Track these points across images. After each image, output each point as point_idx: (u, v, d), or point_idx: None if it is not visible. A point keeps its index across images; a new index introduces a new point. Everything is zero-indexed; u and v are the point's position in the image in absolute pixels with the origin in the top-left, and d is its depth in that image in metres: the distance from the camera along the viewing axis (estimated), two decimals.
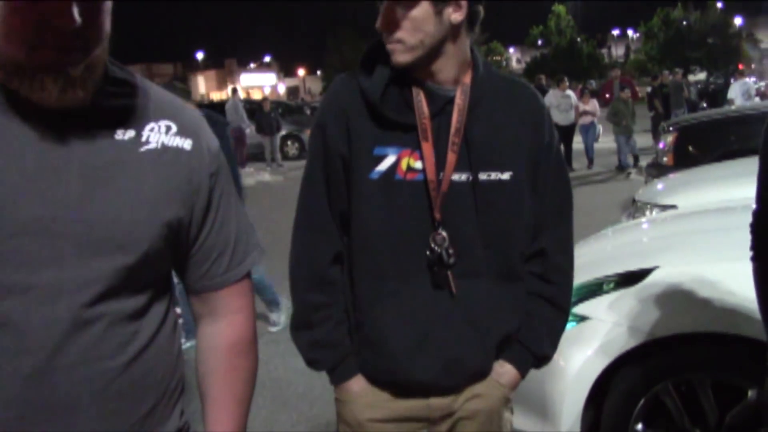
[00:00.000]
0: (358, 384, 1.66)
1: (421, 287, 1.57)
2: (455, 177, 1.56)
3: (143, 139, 1.13)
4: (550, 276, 1.70)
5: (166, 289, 1.22)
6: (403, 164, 1.55)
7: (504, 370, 1.68)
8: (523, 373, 1.70)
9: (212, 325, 1.28)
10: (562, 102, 12.97)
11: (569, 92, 13.46)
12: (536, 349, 1.69)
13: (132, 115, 1.13)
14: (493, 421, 1.71)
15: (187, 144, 1.17)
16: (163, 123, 1.16)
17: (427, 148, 1.53)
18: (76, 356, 1.05)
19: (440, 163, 1.55)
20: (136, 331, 1.13)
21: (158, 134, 1.15)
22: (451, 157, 1.55)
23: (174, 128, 1.17)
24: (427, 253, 1.55)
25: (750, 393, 2.43)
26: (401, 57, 1.50)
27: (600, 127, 13.74)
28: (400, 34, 1.48)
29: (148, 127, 1.14)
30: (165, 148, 1.15)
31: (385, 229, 1.56)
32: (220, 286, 1.25)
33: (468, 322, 1.59)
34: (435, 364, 1.59)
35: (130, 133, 1.12)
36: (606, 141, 14.14)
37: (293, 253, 1.67)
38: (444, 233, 1.55)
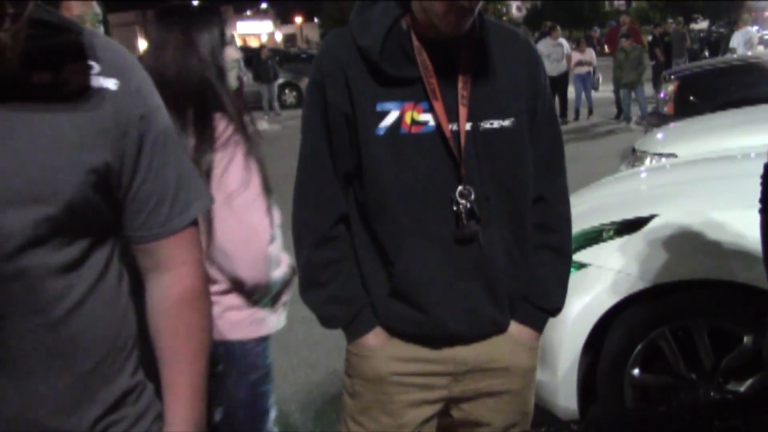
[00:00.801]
0: (377, 337, 1.67)
1: (443, 239, 1.57)
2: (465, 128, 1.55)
3: (61, 80, 1.05)
4: (553, 224, 1.71)
5: (105, 240, 1.15)
6: (407, 118, 1.53)
7: (520, 330, 1.70)
8: (539, 329, 1.72)
9: (157, 279, 1.22)
10: (554, 51, 12.69)
11: (561, 40, 13.23)
12: (548, 303, 1.71)
13: (49, 56, 1.05)
14: (518, 377, 1.73)
15: (111, 84, 1.09)
16: (84, 63, 1.08)
17: (439, 106, 1.52)
18: (4, 311, 1.01)
19: (450, 117, 1.54)
20: (70, 285, 1.07)
21: (78, 75, 1.07)
22: (462, 111, 1.54)
23: (96, 68, 1.08)
24: (454, 207, 1.55)
25: (745, 339, 2.47)
26: (467, 21, 1.48)
27: (599, 76, 13.59)
28: None
29: (67, 69, 1.06)
30: (85, 89, 1.07)
31: (399, 184, 1.55)
32: (161, 236, 1.19)
33: (488, 273, 1.61)
34: (460, 314, 1.61)
35: (45, 76, 1.04)
36: (605, 90, 14.03)
37: (297, 215, 1.67)
38: (470, 187, 1.55)
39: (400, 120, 1.53)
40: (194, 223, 1.23)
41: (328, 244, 1.64)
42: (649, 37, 15.99)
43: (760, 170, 1.67)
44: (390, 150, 1.54)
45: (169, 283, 1.21)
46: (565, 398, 2.63)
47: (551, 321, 1.76)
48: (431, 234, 1.57)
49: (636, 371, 2.62)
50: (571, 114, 13.27)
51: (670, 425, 1.42)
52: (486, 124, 1.56)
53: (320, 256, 1.64)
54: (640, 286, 2.52)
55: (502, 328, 1.68)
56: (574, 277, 2.55)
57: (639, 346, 2.60)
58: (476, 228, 1.56)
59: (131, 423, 1.17)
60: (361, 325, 1.67)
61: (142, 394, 1.20)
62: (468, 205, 1.54)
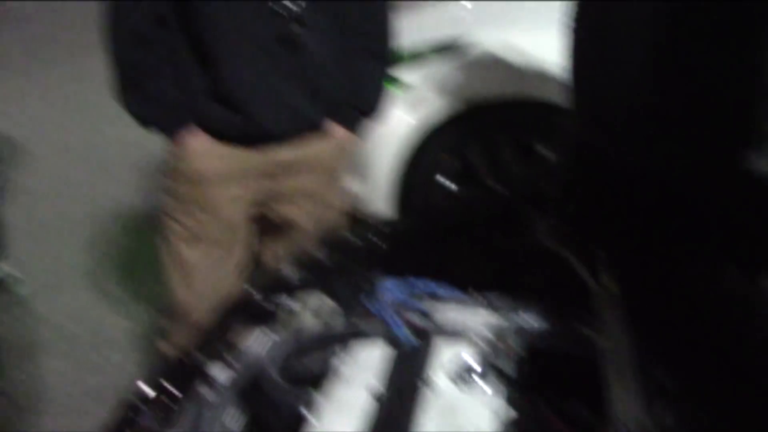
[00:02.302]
0: (197, 138, 1.69)
1: (265, 41, 1.58)
2: None
3: None
4: (367, 26, 1.77)
5: None
6: None
7: (337, 131, 1.78)
8: (355, 131, 1.81)
9: None
10: None
11: None
12: (364, 105, 1.80)
13: None
14: (330, 177, 1.83)
15: None
16: None
17: None
18: None
19: None
20: None
21: None
22: None
23: None
24: (276, 9, 1.54)
25: (538, 147, 2.75)
26: None
27: None
28: None
29: None
30: None
31: None
32: None
33: (309, 75, 1.65)
34: (279, 114, 1.65)
35: None
36: None
37: (111, 13, 1.60)
38: None
39: None
40: None
41: (146, 46, 1.61)
42: None
43: None
44: None
45: None
46: (383, 208, 2.83)
47: (374, 135, 1.86)
48: (253, 36, 1.58)
49: (441, 178, 2.86)
50: None
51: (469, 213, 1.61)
52: None
53: (138, 57, 1.61)
54: (456, 104, 2.69)
55: (319, 129, 1.77)
56: (397, 95, 2.70)
57: (451, 159, 2.83)
58: (299, 30, 1.58)
59: None
60: (180, 127, 1.68)
61: None
62: (291, 8, 1.55)
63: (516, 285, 1.31)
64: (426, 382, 0.99)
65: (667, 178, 1.29)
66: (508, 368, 1.09)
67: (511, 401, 1.00)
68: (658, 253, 1.28)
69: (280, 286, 1.49)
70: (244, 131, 1.68)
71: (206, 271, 1.83)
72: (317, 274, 1.53)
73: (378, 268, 1.60)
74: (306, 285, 1.49)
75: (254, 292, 1.47)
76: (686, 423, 0.98)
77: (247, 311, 1.44)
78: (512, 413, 0.97)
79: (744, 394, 1.02)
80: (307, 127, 1.73)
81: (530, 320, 1.22)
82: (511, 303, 1.25)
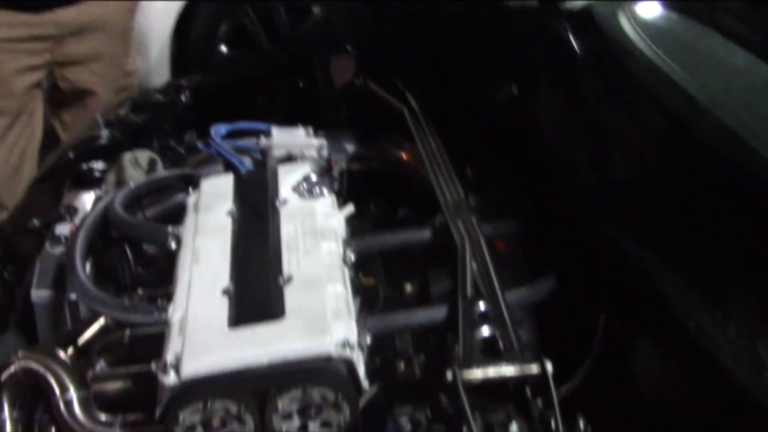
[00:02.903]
0: None
1: None
2: None
3: None
4: None
5: None
6: None
7: None
8: None
9: None
10: None
11: None
12: None
13: None
14: (120, 38, 1.80)
15: None
16: None
17: None
18: None
19: None
20: None
21: None
22: None
23: None
24: None
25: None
26: None
27: None
28: None
29: None
30: None
31: None
32: None
33: None
34: None
35: None
36: None
37: None
38: None
39: None
40: None
41: None
42: None
43: None
44: None
45: None
46: (158, 79, 2.80)
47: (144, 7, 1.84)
48: None
49: (223, 48, 2.88)
50: None
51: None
52: None
53: None
54: None
55: None
56: None
57: (224, 26, 2.84)
58: None
59: None
60: None
61: None
62: None
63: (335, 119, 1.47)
64: (275, 199, 1.11)
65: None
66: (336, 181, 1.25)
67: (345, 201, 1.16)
68: (444, 73, 1.50)
69: (96, 149, 1.50)
70: None
71: None
72: (130, 133, 1.56)
73: (186, 121, 1.66)
74: (121, 145, 1.52)
75: (72, 157, 1.47)
76: (490, 203, 1.22)
77: (68, 176, 1.45)
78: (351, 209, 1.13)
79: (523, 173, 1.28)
80: None
81: (348, 144, 1.39)
82: (331, 133, 1.39)
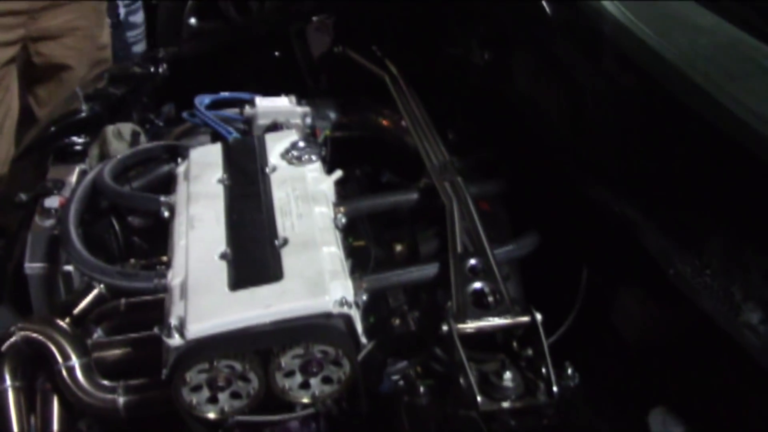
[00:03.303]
0: None
1: None
2: None
3: None
4: None
5: None
6: None
7: None
8: None
9: None
10: None
11: None
12: None
13: None
14: (93, 11, 1.79)
15: None
16: None
17: None
18: None
19: None
20: None
21: None
22: None
23: None
24: None
25: None
26: None
27: None
28: None
29: None
30: None
31: None
32: None
33: None
34: None
35: None
36: None
37: None
38: None
39: None
40: None
41: None
42: None
43: None
44: None
45: None
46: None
47: None
48: None
49: (193, 20, 2.85)
50: None
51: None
52: None
53: None
54: None
55: None
56: None
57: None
58: None
59: None
60: None
61: None
62: None
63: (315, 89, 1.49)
64: (264, 166, 1.13)
65: None
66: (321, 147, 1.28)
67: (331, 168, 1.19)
68: (422, 39, 1.53)
69: (77, 123, 1.50)
70: None
71: None
72: (109, 107, 1.56)
73: (163, 94, 1.67)
74: (101, 118, 1.52)
75: (54, 131, 1.47)
76: (472, 164, 1.26)
77: (51, 150, 1.45)
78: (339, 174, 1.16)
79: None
80: None
81: (331, 112, 1.42)
82: (313, 101, 1.42)
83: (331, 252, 1.00)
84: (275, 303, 0.91)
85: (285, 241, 1.00)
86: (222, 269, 0.97)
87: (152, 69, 1.68)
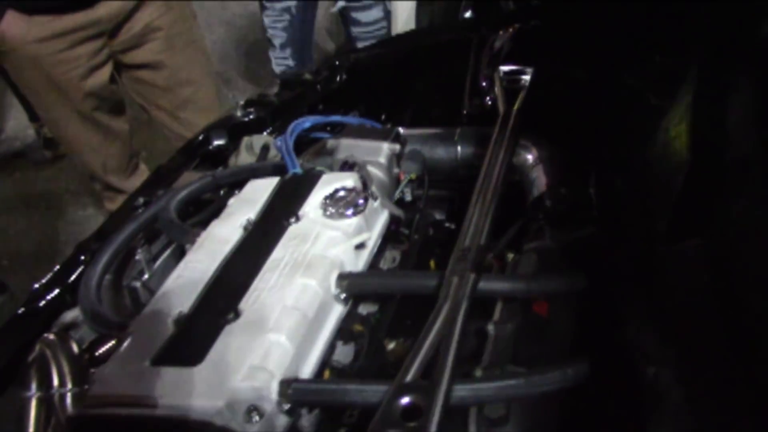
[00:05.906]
0: (15, 22, 1.67)
1: None
2: None
3: None
4: None
5: None
6: None
7: None
8: None
9: None
10: None
11: None
12: None
13: None
14: (177, 9, 1.80)
15: None
16: None
17: None
18: None
19: None
20: None
21: None
22: None
23: None
24: None
25: None
26: None
27: None
28: None
29: None
30: None
31: None
32: None
33: None
34: None
35: None
36: None
37: None
38: None
39: None
40: None
41: None
42: None
43: None
44: None
45: None
46: None
47: None
48: None
49: (468, 13, 2.71)
50: None
51: None
52: None
53: None
54: None
55: None
56: None
57: None
58: None
59: None
60: None
61: None
62: None
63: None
64: (295, 212, 0.99)
65: None
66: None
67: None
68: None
69: (236, 127, 1.51)
70: None
71: (89, 138, 1.90)
72: (273, 112, 1.54)
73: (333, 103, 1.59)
74: (264, 122, 1.50)
75: (202, 137, 1.50)
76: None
77: (198, 154, 1.48)
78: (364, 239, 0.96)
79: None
80: None
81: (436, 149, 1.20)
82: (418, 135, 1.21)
83: (278, 342, 0.83)
84: (173, 392, 0.79)
85: (236, 316, 0.87)
86: (164, 336, 0.88)
87: (329, 75, 1.60)
